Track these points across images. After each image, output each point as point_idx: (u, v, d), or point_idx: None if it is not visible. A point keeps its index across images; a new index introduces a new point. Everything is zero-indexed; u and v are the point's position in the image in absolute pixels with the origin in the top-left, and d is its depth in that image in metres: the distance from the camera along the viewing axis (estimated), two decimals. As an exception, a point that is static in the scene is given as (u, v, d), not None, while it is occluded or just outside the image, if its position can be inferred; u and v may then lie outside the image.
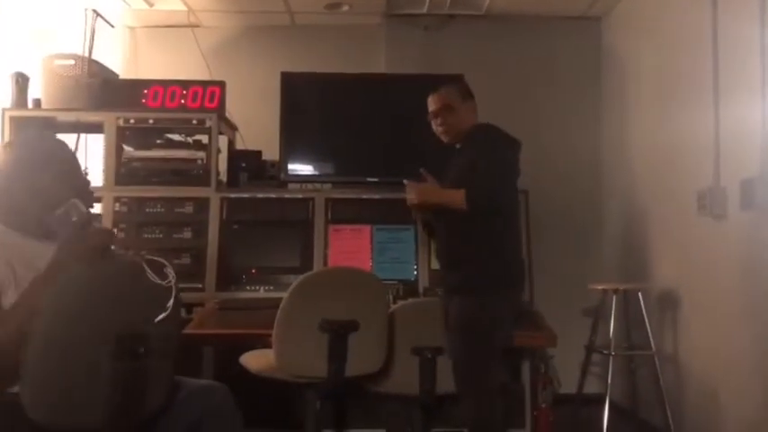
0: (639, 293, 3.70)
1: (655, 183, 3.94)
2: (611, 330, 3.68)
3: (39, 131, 3.56)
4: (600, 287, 3.87)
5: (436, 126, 2.77)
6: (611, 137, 4.63)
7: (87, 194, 1.98)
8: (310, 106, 4.01)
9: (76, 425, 1.63)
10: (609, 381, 3.63)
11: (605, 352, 3.73)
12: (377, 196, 3.69)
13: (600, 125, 4.76)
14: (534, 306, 3.57)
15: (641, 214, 4.09)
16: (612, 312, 3.69)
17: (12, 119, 3.73)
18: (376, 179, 3.82)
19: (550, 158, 4.56)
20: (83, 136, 4.15)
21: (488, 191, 2.58)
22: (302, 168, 3.96)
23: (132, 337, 1.60)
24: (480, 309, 2.59)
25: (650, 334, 3.64)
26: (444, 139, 2.78)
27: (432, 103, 2.78)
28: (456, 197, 2.57)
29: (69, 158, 1.96)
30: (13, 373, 1.59)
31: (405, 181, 2.74)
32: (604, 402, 3.56)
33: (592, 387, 4.17)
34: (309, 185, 3.95)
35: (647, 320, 3.65)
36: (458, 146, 2.79)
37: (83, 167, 2.02)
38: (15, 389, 1.61)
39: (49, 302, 1.58)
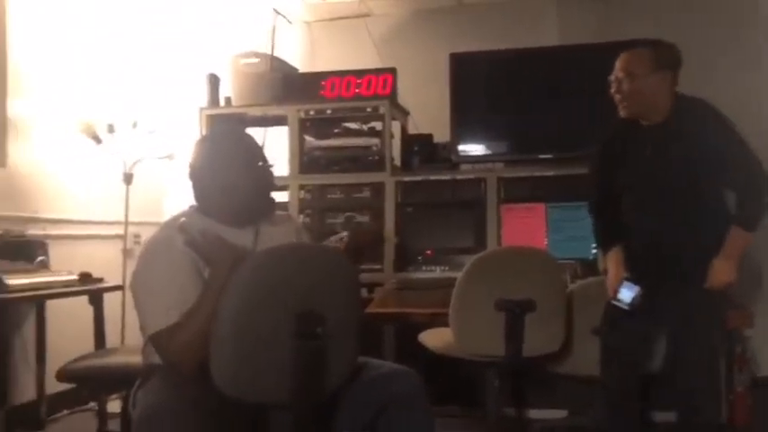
0: None
1: None
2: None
3: (227, 127, 3.87)
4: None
5: (612, 93, 2.49)
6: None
7: (270, 185, 2.07)
8: (480, 85, 3.99)
9: (262, 399, 1.74)
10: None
11: (813, 333, 3.40)
12: (551, 173, 3.61)
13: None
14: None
15: None
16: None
17: (207, 117, 4.09)
18: (549, 155, 3.73)
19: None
20: (269, 129, 4.47)
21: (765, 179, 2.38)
22: (473, 149, 3.96)
23: (312, 317, 1.68)
24: (723, 301, 2.42)
25: None
26: (621, 111, 2.49)
27: (616, 66, 2.50)
28: (745, 241, 2.38)
29: (254, 152, 2.04)
30: (197, 365, 1.71)
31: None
32: (812, 388, 3.25)
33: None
34: (481, 165, 3.95)
35: None
36: (643, 122, 2.49)
37: (267, 159, 2.09)
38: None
39: (236, 283, 1.69)
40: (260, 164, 2.02)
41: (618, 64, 2.49)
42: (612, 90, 2.49)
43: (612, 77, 2.50)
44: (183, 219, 1.89)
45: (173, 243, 1.83)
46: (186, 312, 1.76)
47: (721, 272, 2.35)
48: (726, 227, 2.40)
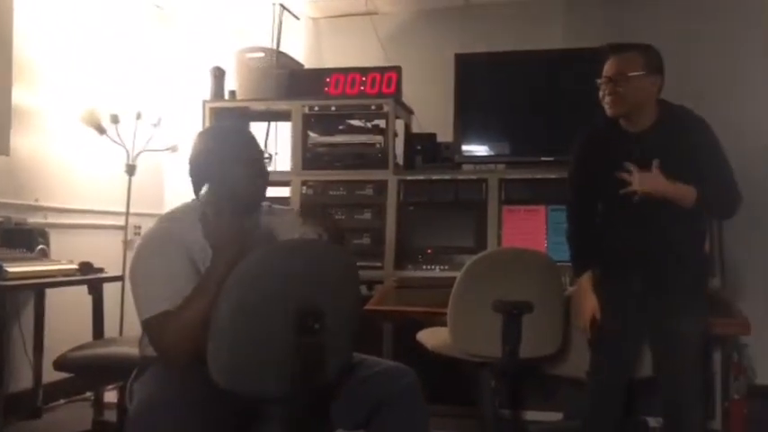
0: None
1: None
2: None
3: (227, 123, 3.87)
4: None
5: (604, 94, 2.49)
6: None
7: (264, 180, 2.08)
8: (484, 86, 3.98)
9: (255, 392, 1.75)
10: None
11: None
12: (553, 176, 3.60)
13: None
14: (725, 293, 3.34)
15: None
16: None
17: (211, 110, 4.09)
18: (551, 158, 3.73)
19: (745, 134, 4.18)
20: (273, 123, 4.48)
21: (733, 197, 2.42)
22: (476, 149, 3.96)
23: (310, 312, 1.68)
24: (707, 315, 2.47)
25: None
26: (609, 110, 2.49)
27: (607, 68, 2.49)
28: (688, 196, 2.37)
29: (254, 149, 2.07)
30: (188, 355, 1.74)
31: (626, 164, 2.42)
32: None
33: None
34: (483, 166, 3.95)
35: None
36: (624, 124, 2.51)
37: (265, 154, 2.14)
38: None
39: (235, 276, 1.69)
40: (255, 158, 2.04)
41: (609, 66, 2.50)
42: (602, 92, 2.50)
43: (602, 80, 2.50)
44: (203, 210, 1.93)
45: (168, 236, 1.88)
46: (181, 302, 1.78)
47: (652, 178, 2.37)
48: (705, 235, 2.46)
